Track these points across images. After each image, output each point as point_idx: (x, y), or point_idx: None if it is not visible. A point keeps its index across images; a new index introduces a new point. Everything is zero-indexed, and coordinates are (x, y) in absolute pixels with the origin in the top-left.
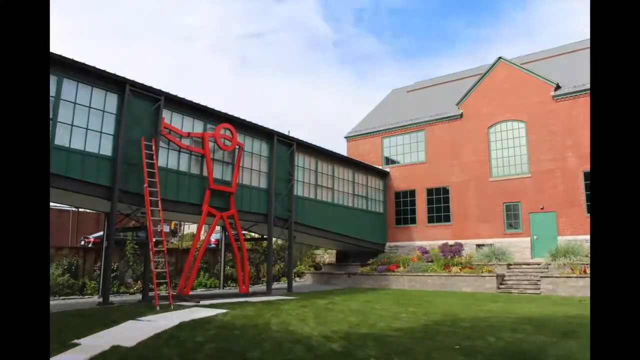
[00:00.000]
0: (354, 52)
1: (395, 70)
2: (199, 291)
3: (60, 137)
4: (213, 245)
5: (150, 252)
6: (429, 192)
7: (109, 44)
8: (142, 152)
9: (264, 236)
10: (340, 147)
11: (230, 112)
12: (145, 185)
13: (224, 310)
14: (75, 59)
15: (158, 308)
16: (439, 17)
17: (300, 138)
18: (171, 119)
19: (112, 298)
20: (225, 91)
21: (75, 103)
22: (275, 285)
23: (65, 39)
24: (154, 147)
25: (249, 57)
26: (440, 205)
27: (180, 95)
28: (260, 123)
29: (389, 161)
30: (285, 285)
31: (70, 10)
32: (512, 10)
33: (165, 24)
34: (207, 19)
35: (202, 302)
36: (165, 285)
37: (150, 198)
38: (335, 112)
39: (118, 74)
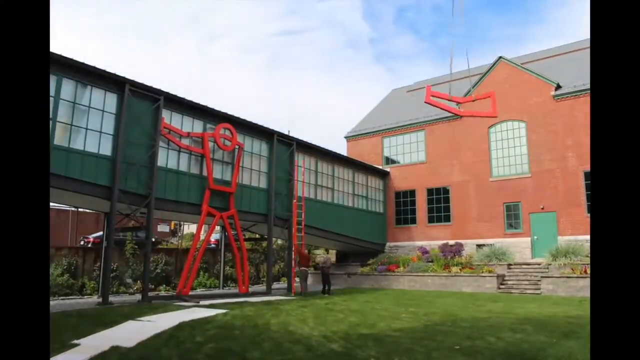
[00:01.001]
0: (389, 50)
1: (429, 69)
2: (199, 291)
3: (60, 137)
4: (213, 245)
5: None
6: (429, 192)
7: (134, 43)
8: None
9: (264, 236)
10: (343, 147)
11: (232, 112)
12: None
13: (223, 311)
14: (75, 58)
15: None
16: (481, 15)
17: (301, 138)
18: (171, 118)
19: (111, 298)
20: (253, 91)
21: (74, 103)
22: (275, 285)
23: (92, 37)
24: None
25: (279, 56)
26: (440, 205)
27: (203, 94)
28: (287, 124)
29: (389, 161)
30: (285, 285)
31: (97, 9)
32: (553, 9)
33: (197, 23)
34: (240, 17)
35: (201, 302)
36: (165, 285)
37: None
38: (367, 112)
39: (118, 73)
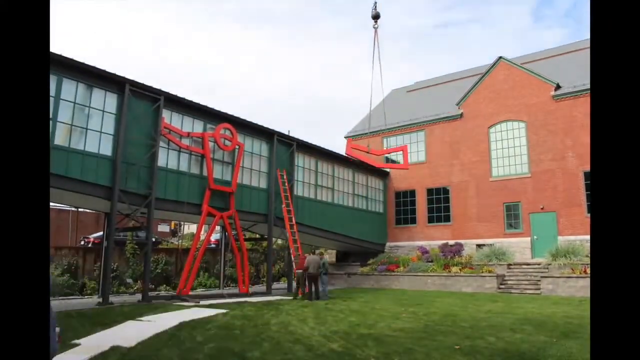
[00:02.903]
0: (537, 45)
1: None
2: (199, 291)
3: (61, 137)
4: (213, 245)
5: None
6: (429, 192)
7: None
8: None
9: (264, 236)
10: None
11: (231, 112)
12: (284, 206)
13: (224, 310)
14: (76, 58)
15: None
16: None
17: (301, 138)
18: (171, 118)
19: (111, 298)
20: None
21: (75, 103)
22: (275, 285)
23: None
24: (286, 177)
25: (414, 50)
26: (440, 205)
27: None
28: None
29: (389, 161)
30: (285, 285)
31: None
32: None
33: (340, 15)
34: (389, 9)
35: (202, 302)
36: (165, 285)
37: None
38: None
39: (118, 73)
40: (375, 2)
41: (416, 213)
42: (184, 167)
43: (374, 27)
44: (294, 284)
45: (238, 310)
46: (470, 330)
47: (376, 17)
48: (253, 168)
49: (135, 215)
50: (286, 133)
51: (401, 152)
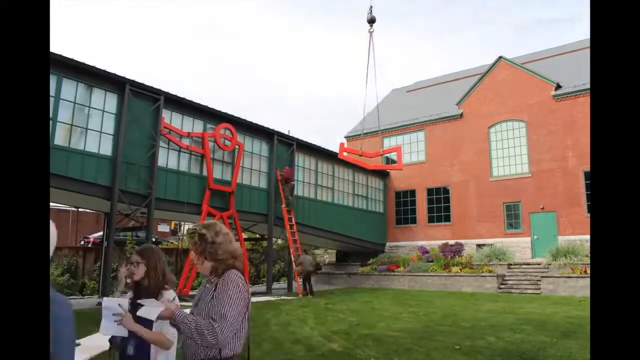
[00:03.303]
0: None
1: None
2: None
3: (61, 137)
4: None
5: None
6: (429, 192)
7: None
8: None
9: (264, 236)
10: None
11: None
12: (284, 206)
13: None
14: (76, 58)
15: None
16: None
17: (301, 138)
18: (171, 118)
19: None
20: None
21: (75, 103)
22: (275, 285)
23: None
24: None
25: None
26: (440, 205)
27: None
28: None
29: (389, 161)
30: (285, 285)
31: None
32: None
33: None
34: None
35: None
36: None
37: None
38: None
39: (118, 73)
40: (371, 7)
41: (416, 213)
42: (184, 167)
43: (369, 32)
44: (294, 283)
45: None
46: (471, 330)
47: (371, 21)
48: (253, 168)
49: (135, 215)
50: (286, 133)
51: (395, 153)
